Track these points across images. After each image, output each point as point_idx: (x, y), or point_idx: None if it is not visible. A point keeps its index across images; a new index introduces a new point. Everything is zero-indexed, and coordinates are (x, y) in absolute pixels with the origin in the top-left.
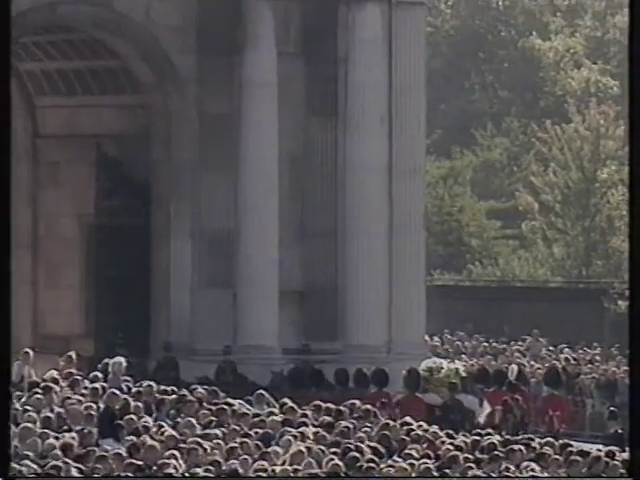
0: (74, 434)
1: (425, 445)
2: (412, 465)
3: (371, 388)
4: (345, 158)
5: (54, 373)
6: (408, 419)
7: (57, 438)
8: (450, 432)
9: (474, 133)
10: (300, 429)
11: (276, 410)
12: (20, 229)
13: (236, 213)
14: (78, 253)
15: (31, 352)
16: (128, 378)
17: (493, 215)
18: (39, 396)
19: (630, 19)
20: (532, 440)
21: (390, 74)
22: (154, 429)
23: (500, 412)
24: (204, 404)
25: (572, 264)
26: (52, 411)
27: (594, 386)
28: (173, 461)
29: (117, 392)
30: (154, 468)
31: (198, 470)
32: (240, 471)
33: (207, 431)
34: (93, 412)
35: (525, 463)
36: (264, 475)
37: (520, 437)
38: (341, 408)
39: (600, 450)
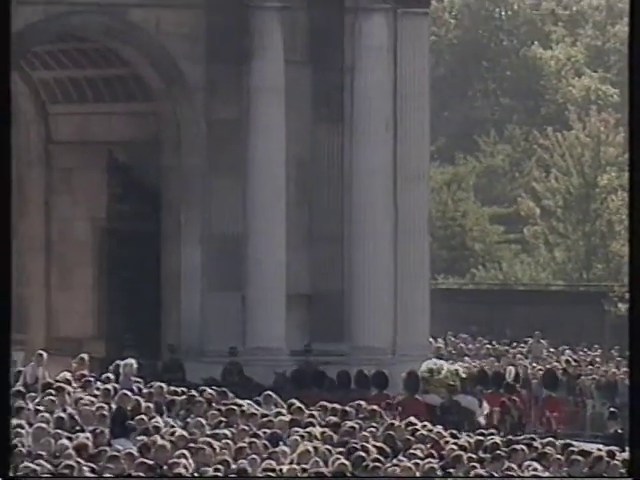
0: (88, 434)
1: (429, 445)
2: (417, 464)
3: (372, 390)
4: (351, 163)
5: (67, 374)
6: (413, 419)
7: (70, 438)
8: (454, 432)
9: (477, 140)
10: (307, 429)
11: (284, 411)
12: (34, 233)
13: (245, 218)
14: (90, 256)
15: (45, 354)
16: (139, 379)
17: (496, 220)
18: (52, 397)
19: (630, 29)
20: (534, 440)
21: (395, 81)
22: (164, 429)
23: (498, 413)
24: (213, 405)
25: (573, 268)
26: (65, 412)
27: (594, 387)
28: (183, 460)
29: (128, 393)
30: (164, 467)
31: (207, 469)
32: (249, 470)
33: (216, 431)
34: (105, 412)
35: (527, 463)
36: (272, 475)
37: (522, 437)
38: (347, 409)
39: (600, 450)
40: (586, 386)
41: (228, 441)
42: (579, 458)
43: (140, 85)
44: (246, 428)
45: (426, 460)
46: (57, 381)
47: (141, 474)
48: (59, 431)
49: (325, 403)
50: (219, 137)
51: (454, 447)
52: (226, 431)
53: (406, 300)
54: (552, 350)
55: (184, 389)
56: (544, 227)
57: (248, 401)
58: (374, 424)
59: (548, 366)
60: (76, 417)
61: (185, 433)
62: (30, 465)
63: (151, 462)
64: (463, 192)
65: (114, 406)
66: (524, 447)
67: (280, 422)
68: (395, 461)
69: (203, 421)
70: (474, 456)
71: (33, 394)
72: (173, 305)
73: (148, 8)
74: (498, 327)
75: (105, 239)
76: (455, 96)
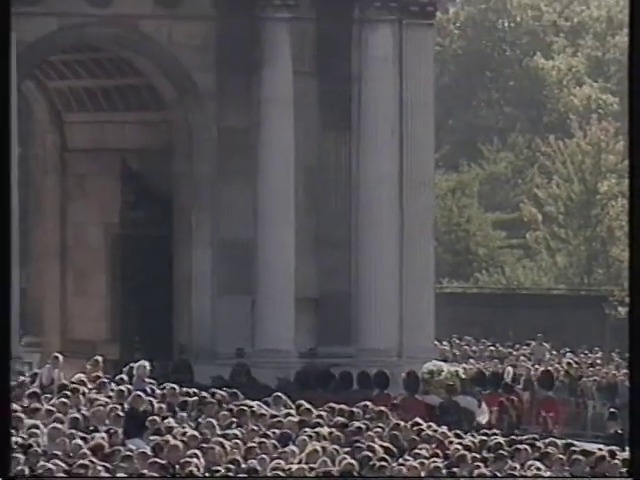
0: (104, 434)
1: (434, 445)
2: (422, 464)
3: (374, 390)
4: (358, 171)
5: (81, 376)
6: (418, 420)
7: (84, 438)
8: (458, 432)
9: (481, 147)
10: (316, 429)
11: (293, 411)
12: (50, 239)
13: (254, 223)
14: (104, 261)
15: (60, 356)
16: (152, 381)
17: (499, 225)
18: (64, 399)
19: (630, 40)
20: (536, 440)
21: (401, 91)
22: (177, 429)
23: (496, 412)
24: (224, 405)
25: (574, 272)
26: (79, 412)
27: (595, 388)
28: (195, 460)
29: (141, 394)
30: (177, 467)
31: (219, 468)
32: (258, 469)
33: (227, 431)
34: (119, 413)
35: (530, 462)
36: (282, 474)
37: (525, 437)
38: (354, 409)
39: (601, 450)
40: (587, 387)
41: (238, 441)
42: (580, 458)
43: (153, 94)
44: (256, 428)
45: (431, 460)
46: (72, 382)
47: (154, 474)
48: (73, 431)
49: (333, 404)
50: (229, 145)
51: (458, 447)
52: (236, 431)
53: (412, 303)
54: (554, 352)
55: (195, 390)
56: (546, 232)
57: (258, 402)
58: (381, 424)
59: (545, 368)
60: (90, 418)
61: (197, 433)
62: (46, 464)
63: (164, 461)
64: (467, 198)
65: (127, 407)
66: (527, 447)
67: (289, 423)
68: (401, 460)
69: (214, 421)
70: (478, 456)
71: (48, 395)
72: (184, 308)
73: (160, 20)
74: (501, 330)
75: (118, 244)
76: (459, 105)
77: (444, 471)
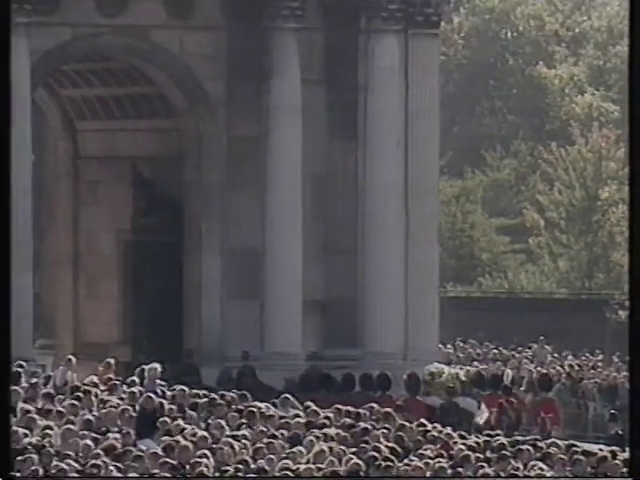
0: (117, 435)
1: (439, 445)
2: (427, 464)
3: (377, 392)
4: (364, 178)
5: (94, 378)
6: (423, 421)
7: (97, 439)
8: (463, 433)
9: (484, 155)
10: (323, 430)
11: (301, 412)
12: (62, 245)
13: (263, 231)
14: (116, 267)
15: (73, 358)
16: (163, 383)
17: (502, 231)
18: (73, 402)
19: (630, 49)
20: (539, 440)
21: (406, 100)
22: (187, 430)
23: (496, 413)
24: (233, 407)
25: (576, 277)
26: (92, 413)
27: (596, 390)
28: (204, 460)
29: (152, 396)
30: (187, 467)
31: (228, 468)
32: (267, 469)
33: (235, 432)
34: (131, 414)
35: (532, 462)
36: (290, 474)
37: (528, 438)
38: (360, 411)
39: (602, 450)
40: (588, 389)
41: (247, 442)
42: (582, 458)
43: (164, 103)
44: (264, 429)
45: (436, 460)
46: (85, 384)
47: (165, 474)
48: (86, 432)
49: (339, 406)
50: (239, 153)
51: (462, 447)
52: (245, 432)
53: (417, 307)
54: (556, 355)
55: (205, 392)
56: (548, 238)
57: (266, 404)
58: (386, 425)
59: (543, 371)
60: (102, 419)
61: (206, 434)
62: (59, 464)
63: (174, 462)
64: (471, 205)
65: (139, 408)
66: (529, 447)
67: (297, 424)
68: (406, 461)
69: (223, 422)
70: (481, 456)
71: (62, 396)
72: (194, 313)
73: (172, 30)
74: (504, 333)
75: (130, 250)
76: (463, 113)
77: (449, 471)
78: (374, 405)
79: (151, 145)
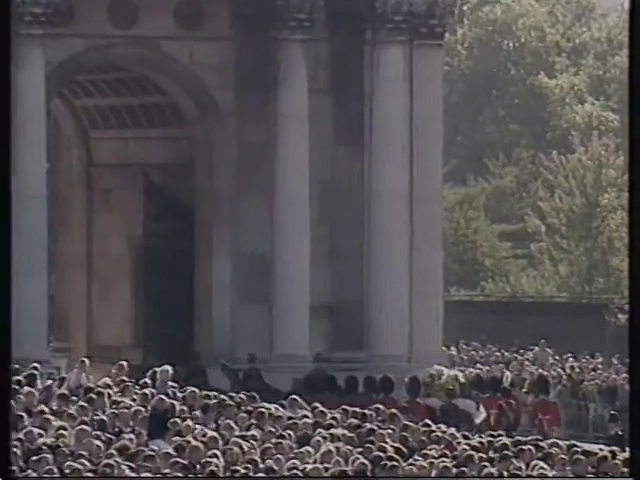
0: (131, 435)
1: (443, 445)
2: (431, 464)
3: (380, 394)
4: (370, 184)
5: (107, 380)
6: (428, 422)
7: (110, 439)
8: (466, 434)
9: (487, 162)
10: (330, 430)
11: (309, 413)
12: (76, 249)
13: (271, 235)
14: (128, 271)
15: (87, 361)
16: (174, 384)
17: (504, 237)
18: (83, 403)
19: (630, 59)
20: (540, 441)
21: (411, 108)
22: (198, 431)
23: (495, 415)
24: (242, 408)
25: (576, 281)
26: (105, 414)
27: (597, 392)
28: (215, 460)
29: (164, 397)
30: (198, 467)
31: (237, 468)
32: (275, 469)
33: (245, 433)
34: (143, 415)
35: (534, 462)
36: (298, 474)
37: (530, 438)
38: (366, 412)
39: (602, 450)
40: (589, 391)
41: (256, 442)
42: (582, 458)
43: (175, 112)
44: (273, 430)
45: (440, 460)
46: (98, 386)
47: (177, 473)
48: (99, 432)
49: (346, 407)
50: (248, 160)
51: (466, 447)
52: (254, 432)
53: (421, 311)
54: (557, 358)
55: (216, 393)
56: (549, 243)
57: (274, 405)
58: (392, 426)
59: (540, 373)
60: (115, 420)
61: (216, 434)
62: (73, 464)
63: (185, 461)
64: (474, 211)
65: (151, 409)
66: (531, 447)
67: (304, 424)
68: (411, 460)
69: (232, 423)
70: (484, 456)
71: (75, 398)
72: (205, 316)
73: (182, 41)
74: (506, 336)
75: (142, 255)
76: (467, 122)
77: (453, 470)
78: (380, 406)
79: (162, 153)
